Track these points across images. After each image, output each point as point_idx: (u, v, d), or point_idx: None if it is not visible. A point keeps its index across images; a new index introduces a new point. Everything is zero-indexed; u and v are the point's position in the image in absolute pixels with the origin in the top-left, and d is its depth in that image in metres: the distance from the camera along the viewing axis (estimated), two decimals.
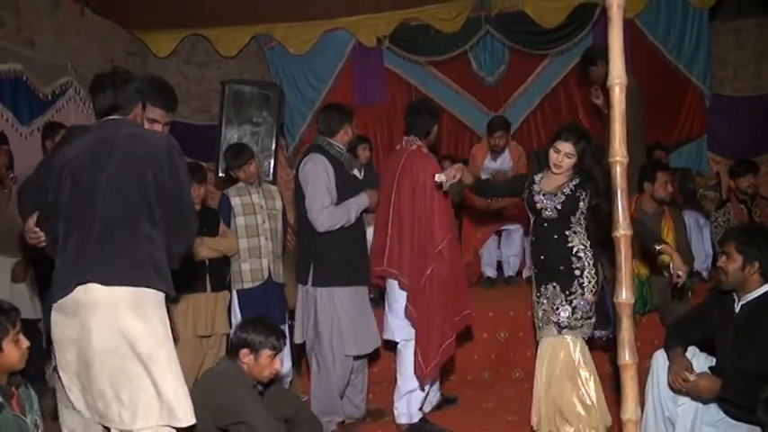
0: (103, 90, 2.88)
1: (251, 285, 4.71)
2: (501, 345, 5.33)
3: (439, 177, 3.77)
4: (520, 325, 5.20)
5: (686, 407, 3.36)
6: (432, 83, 8.19)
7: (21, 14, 5.90)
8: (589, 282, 3.70)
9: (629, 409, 2.49)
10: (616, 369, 2.74)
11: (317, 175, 4.14)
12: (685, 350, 3.40)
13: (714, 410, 3.30)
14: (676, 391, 3.35)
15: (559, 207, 3.73)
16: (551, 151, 3.78)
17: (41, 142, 5.27)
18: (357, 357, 4.34)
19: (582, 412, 3.69)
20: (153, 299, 2.69)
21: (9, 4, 5.77)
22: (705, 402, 3.30)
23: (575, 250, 3.72)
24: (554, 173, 3.80)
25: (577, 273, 3.71)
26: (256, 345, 3.30)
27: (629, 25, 7.29)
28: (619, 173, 2.52)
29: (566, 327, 3.71)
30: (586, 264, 3.72)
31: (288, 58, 8.15)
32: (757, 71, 8.20)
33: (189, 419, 2.66)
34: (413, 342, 4.08)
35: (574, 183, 3.76)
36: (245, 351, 3.31)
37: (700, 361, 3.41)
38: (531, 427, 3.91)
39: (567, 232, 3.73)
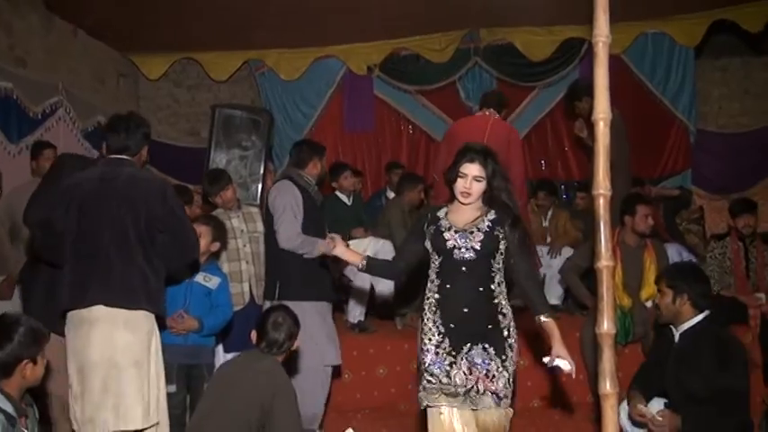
0: (118, 132, 3.35)
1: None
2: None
3: None
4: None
5: None
6: (420, 111, 8.26)
7: (13, 33, 5.92)
8: (515, 342, 3.21)
9: None
10: (597, 399, 2.78)
11: (286, 200, 4.36)
12: (647, 397, 3.53)
13: None
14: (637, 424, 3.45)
15: (478, 247, 3.15)
16: (458, 178, 3.22)
17: (30, 161, 5.29)
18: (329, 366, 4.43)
19: None
20: (143, 317, 3.17)
21: (2, 23, 5.80)
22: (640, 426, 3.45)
23: (499, 307, 3.19)
24: (462, 203, 3.24)
25: (505, 333, 3.17)
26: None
27: (615, 60, 7.42)
28: (602, 205, 2.57)
29: (503, 397, 3.13)
30: (509, 321, 3.21)
31: (278, 83, 8.21)
32: (742, 108, 8.33)
33: (154, 419, 3.16)
34: None
35: (490, 218, 3.22)
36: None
37: (660, 403, 3.54)
38: None
39: (492, 286, 3.18)
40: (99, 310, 3.10)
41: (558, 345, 3.08)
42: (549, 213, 6.65)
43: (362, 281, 5.59)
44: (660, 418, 3.24)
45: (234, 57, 8.17)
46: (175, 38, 7.40)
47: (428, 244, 3.26)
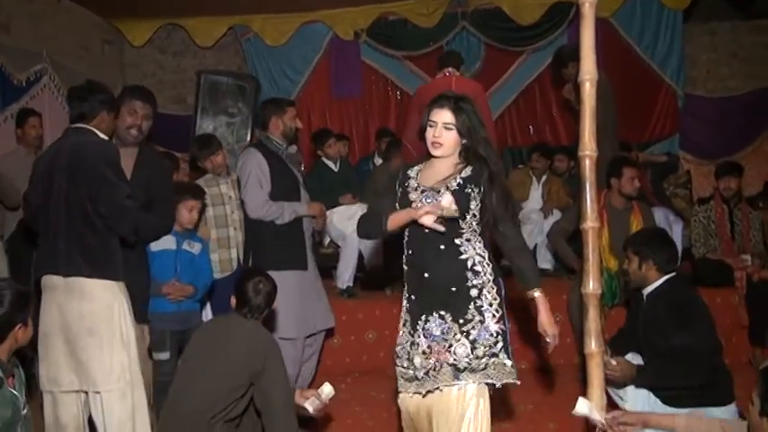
0: (73, 100, 3.39)
1: (220, 276, 4.64)
2: None
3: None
4: None
5: (632, 403, 3.55)
6: (408, 77, 8.19)
7: None
8: (491, 305, 2.84)
9: (595, 396, 2.56)
10: (584, 360, 2.81)
11: (249, 168, 4.27)
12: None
13: (656, 404, 3.46)
14: (616, 384, 3.49)
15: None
16: (427, 128, 2.91)
17: (15, 129, 5.26)
18: (307, 337, 4.35)
19: None
20: (100, 286, 3.20)
21: None
22: (622, 386, 3.50)
23: (470, 263, 2.84)
24: (433, 155, 2.91)
25: (474, 293, 2.82)
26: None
27: (603, 24, 7.39)
28: (588, 166, 2.58)
29: (465, 369, 2.77)
30: (486, 280, 2.86)
31: (264, 49, 8.12)
32: (730, 72, 8.31)
33: (119, 383, 3.21)
34: None
35: (463, 175, 2.87)
36: None
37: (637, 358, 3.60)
38: None
39: (457, 241, 2.84)
40: (56, 280, 3.20)
41: (545, 319, 2.87)
42: (544, 178, 6.63)
43: (351, 247, 5.61)
44: (615, 362, 3.30)
45: (219, 22, 8.06)
46: (160, 3, 7.32)
47: (397, 207, 2.94)
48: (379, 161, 6.93)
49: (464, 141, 2.87)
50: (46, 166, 3.29)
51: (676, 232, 6.00)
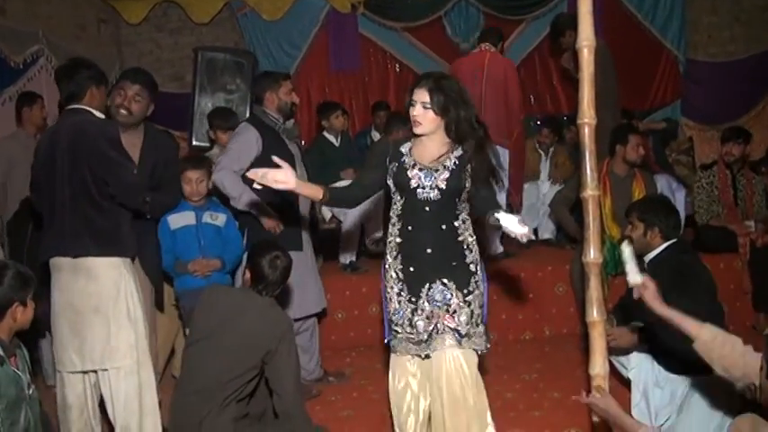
0: (60, 81, 3.36)
1: None
2: None
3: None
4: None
5: (635, 371, 3.60)
6: (407, 49, 8.16)
7: None
8: (483, 280, 3.08)
9: (598, 364, 2.57)
10: (586, 329, 2.81)
11: (236, 140, 4.14)
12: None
13: (659, 372, 3.50)
14: (619, 352, 3.52)
15: (443, 186, 2.94)
16: (409, 108, 2.99)
17: (15, 111, 5.23)
18: (297, 320, 4.26)
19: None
20: (106, 265, 3.23)
21: None
22: (625, 354, 3.54)
23: (465, 245, 3.03)
24: (415, 132, 2.99)
25: (473, 268, 3.03)
26: None
27: None
28: (587, 134, 2.56)
29: (465, 335, 2.98)
30: (477, 258, 3.07)
31: (261, 24, 8.06)
32: (731, 36, 8.23)
33: (126, 360, 3.25)
34: None
35: (457, 154, 2.99)
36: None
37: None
38: None
39: (455, 223, 3.01)
40: (64, 261, 3.22)
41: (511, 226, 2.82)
42: (551, 151, 6.57)
43: (352, 222, 5.60)
44: (617, 330, 3.32)
45: None
46: None
47: (390, 182, 3.06)
48: (376, 135, 6.90)
49: (445, 120, 2.92)
50: (46, 148, 3.29)
51: (679, 199, 5.98)
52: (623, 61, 7.05)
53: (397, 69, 8.27)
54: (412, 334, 3.02)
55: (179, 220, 3.98)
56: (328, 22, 8.10)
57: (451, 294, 2.96)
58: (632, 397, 3.60)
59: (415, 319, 3.00)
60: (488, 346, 3.07)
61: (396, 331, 3.07)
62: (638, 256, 3.68)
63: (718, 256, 5.09)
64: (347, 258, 5.60)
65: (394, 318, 3.08)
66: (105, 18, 7.94)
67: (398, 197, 3.05)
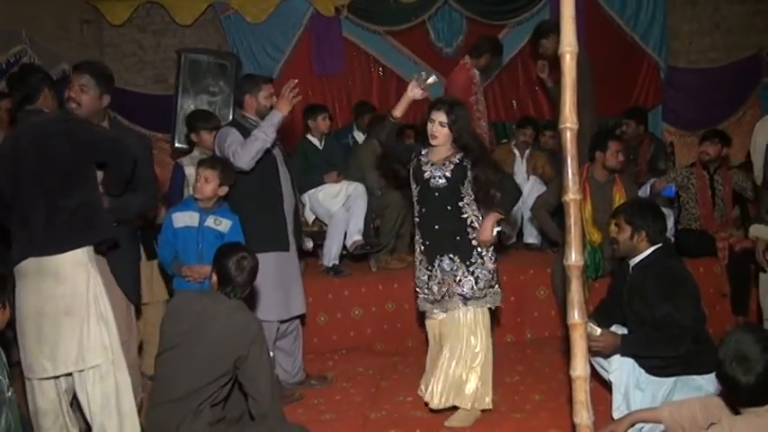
0: (14, 86, 3.47)
1: None
2: None
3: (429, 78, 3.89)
4: None
5: (617, 374, 3.62)
6: (390, 53, 8.17)
7: None
8: (487, 251, 3.83)
9: (579, 367, 2.57)
10: (568, 332, 2.83)
11: (231, 134, 4.12)
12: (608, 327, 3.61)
13: (641, 374, 3.53)
14: (601, 355, 3.57)
15: (448, 175, 3.80)
16: (428, 123, 3.85)
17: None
18: (283, 322, 4.31)
19: (478, 388, 3.80)
20: (71, 265, 3.16)
21: None
22: (607, 357, 3.58)
23: (469, 221, 3.82)
24: (431, 144, 3.87)
25: (475, 243, 3.80)
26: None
27: None
28: (569, 138, 2.58)
29: (471, 298, 3.79)
30: None
31: (245, 26, 8.05)
32: (712, 43, 8.30)
33: (100, 359, 3.19)
34: None
35: (459, 155, 3.85)
36: None
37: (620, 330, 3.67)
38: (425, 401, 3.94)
39: (459, 204, 3.82)
40: (29, 264, 3.16)
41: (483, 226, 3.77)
42: (527, 152, 6.56)
43: (336, 225, 5.60)
44: (599, 333, 3.35)
45: None
46: None
47: (411, 174, 3.96)
48: (359, 135, 6.90)
49: (454, 135, 3.82)
50: (9, 152, 3.24)
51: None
52: (605, 66, 7.12)
53: (381, 73, 8.27)
54: (429, 295, 3.92)
55: (182, 219, 3.99)
56: (312, 26, 8.09)
57: (457, 266, 3.80)
58: (613, 399, 3.63)
59: (431, 283, 3.89)
60: (502, 302, 4.00)
61: (418, 293, 3.99)
62: (621, 259, 3.73)
63: (697, 260, 5.15)
64: (330, 261, 5.60)
65: (418, 282, 3.98)
66: (88, 19, 7.91)
67: (415, 185, 3.94)
